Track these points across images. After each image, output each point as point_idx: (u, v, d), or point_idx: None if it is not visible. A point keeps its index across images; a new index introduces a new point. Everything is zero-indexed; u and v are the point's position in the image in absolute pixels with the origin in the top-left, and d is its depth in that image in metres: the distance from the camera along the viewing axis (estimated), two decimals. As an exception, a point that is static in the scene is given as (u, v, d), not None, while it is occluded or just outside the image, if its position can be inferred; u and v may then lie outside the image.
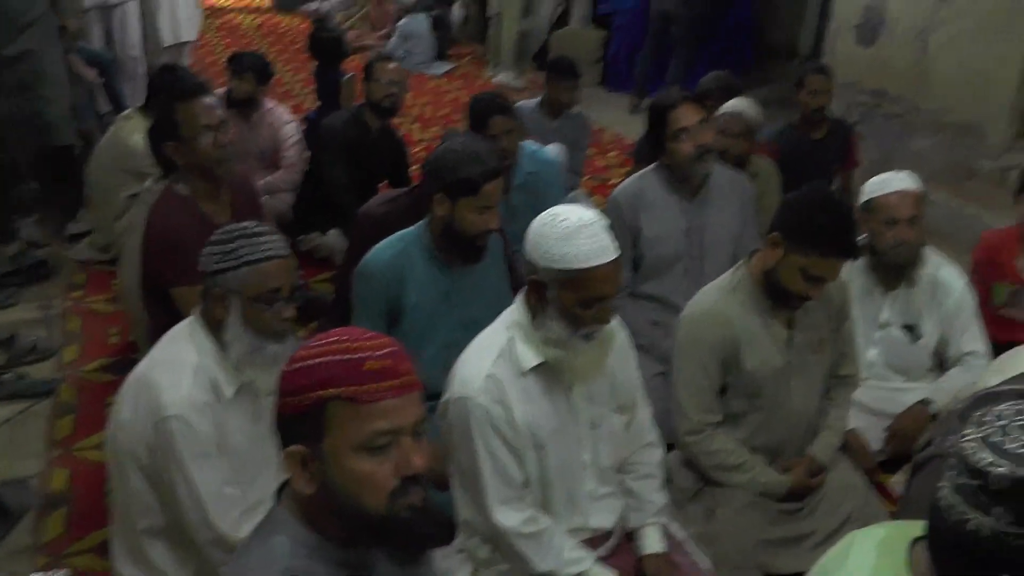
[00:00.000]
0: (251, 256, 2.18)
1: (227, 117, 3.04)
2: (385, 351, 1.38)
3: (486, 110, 3.73)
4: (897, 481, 3.07)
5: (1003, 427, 1.12)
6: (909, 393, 3.22)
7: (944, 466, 1.20)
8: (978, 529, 1.10)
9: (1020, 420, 1.11)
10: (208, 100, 2.98)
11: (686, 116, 3.19)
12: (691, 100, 3.25)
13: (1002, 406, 1.16)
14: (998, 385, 1.25)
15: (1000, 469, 1.08)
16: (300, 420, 1.36)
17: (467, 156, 2.72)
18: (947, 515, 1.15)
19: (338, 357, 1.35)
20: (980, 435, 1.13)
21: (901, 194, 3.04)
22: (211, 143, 2.92)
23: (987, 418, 1.14)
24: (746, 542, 2.61)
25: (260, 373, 2.24)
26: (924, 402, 3.14)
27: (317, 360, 1.36)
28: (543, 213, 2.14)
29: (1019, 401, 1.16)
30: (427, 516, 1.40)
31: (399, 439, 1.35)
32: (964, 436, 1.14)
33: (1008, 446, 1.10)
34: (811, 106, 4.55)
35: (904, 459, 2.96)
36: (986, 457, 1.10)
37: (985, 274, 3.52)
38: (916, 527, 1.30)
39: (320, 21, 10.26)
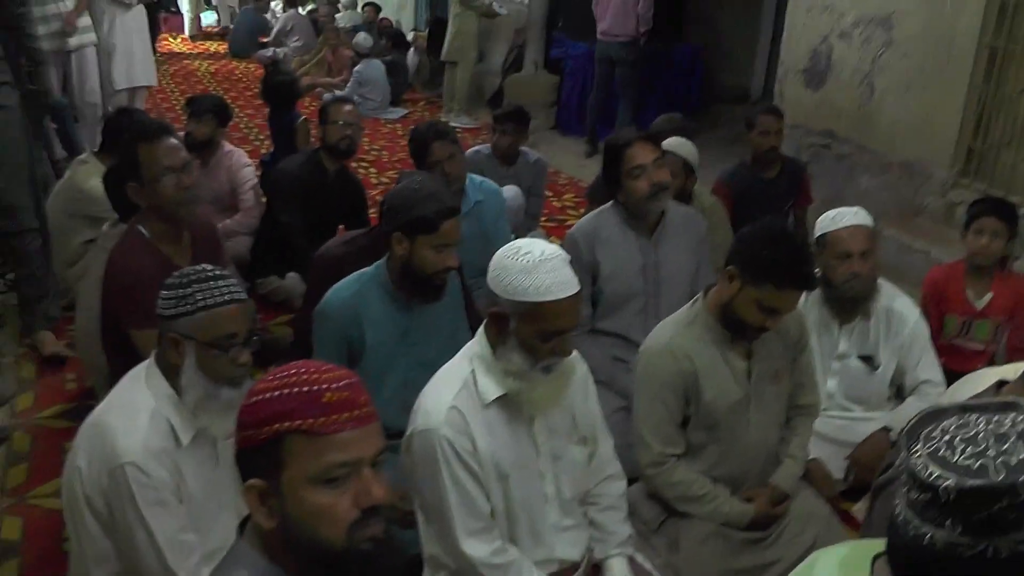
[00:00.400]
0: (206, 301, 2.15)
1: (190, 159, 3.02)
2: (343, 383, 1.37)
3: (424, 137, 3.85)
4: (859, 509, 3.11)
5: (948, 441, 1.14)
6: (869, 423, 3.28)
7: (898, 483, 1.23)
8: (933, 542, 1.13)
9: (963, 432, 1.14)
10: (171, 141, 2.96)
11: (641, 154, 3.23)
12: (645, 139, 3.31)
13: (946, 421, 1.19)
14: (942, 404, 1.28)
15: (948, 482, 1.10)
16: (258, 453, 1.34)
17: (425, 195, 2.73)
18: (903, 530, 1.17)
19: (295, 389, 1.34)
20: (928, 450, 1.15)
21: (853, 228, 3.11)
22: (174, 184, 2.89)
23: (934, 433, 1.17)
24: (711, 572, 2.62)
25: (215, 419, 2.21)
26: (884, 430, 3.20)
27: (275, 393, 1.34)
28: (506, 246, 2.16)
29: (962, 415, 1.20)
30: (389, 548, 1.38)
31: (359, 470, 1.34)
32: (913, 452, 1.17)
33: (954, 459, 1.12)
34: (763, 146, 4.64)
35: (866, 487, 3.00)
36: (934, 471, 1.12)
37: (935, 307, 3.63)
38: (878, 545, 1.32)
39: (274, 64, 10.33)
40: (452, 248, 2.77)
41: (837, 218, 3.16)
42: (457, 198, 3.78)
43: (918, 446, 1.17)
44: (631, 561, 2.44)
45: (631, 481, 2.65)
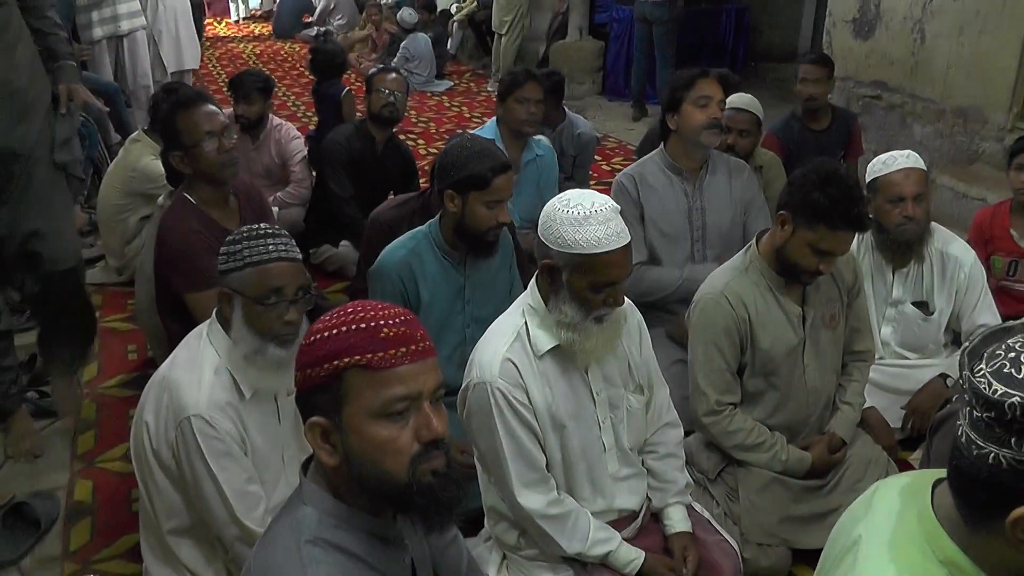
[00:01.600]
0: (253, 257, 2.19)
1: (231, 123, 3.05)
2: (400, 319, 1.39)
3: (520, 74, 4.11)
4: (917, 458, 3.06)
5: (1013, 359, 1.11)
6: (925, 370, 3.24)
7: (960, 404, 1.21)
8: (998, 461, 1.11)
9: None
10: (209, 107, 2.99)
11: (712, 88, 3.22)
12: (720, 78, 3.29)
13: (1011, 339, 1.16)
14: (1006, 323, 1.25)
15: (1013, 399, 1.08)
16: (319, 391, 1.37)
17: (476, 152, 2.75)
18: (966, 451, 1.15)
19: (354, 327, 1.36)
20: (992, 368, 1.13)
21: (905, 172, 3.06)
22: (215, 148, 2.92)
23: (998, 352, 1.14)
24: (770, 520, 2.63)
25: (262, 375, 2.25)
26: (942, 376, 3.15)
27: (333, 331, 1.37)
28: (555, 198, 2.16)
29: None
30: (451, 481, 1.39)
31: (418, 404, 1.36)
32: (976, 371, 1.15)
33: (1020, 375, 1.09)
34: (803, 94, 4.57)
35: (924, 437, 2.97)
36: (999, 388, 1.10)
37: (981, 249, 3.57)
38: (938, 473, 1.31)
39: (324, 35, 10.42)
40: (504, 204, 2.79)
41: (889, 162, 3.10)
42: (523, 143, 4.12)
43: (981, 365, 1.15)
44: (689, 510, 2.44)
45: (688, 434, 2.65)
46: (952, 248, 3.21)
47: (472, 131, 2.86)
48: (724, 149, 3.84)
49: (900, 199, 3.05)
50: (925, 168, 3.11)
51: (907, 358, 3.30)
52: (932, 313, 3.22)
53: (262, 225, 2.29)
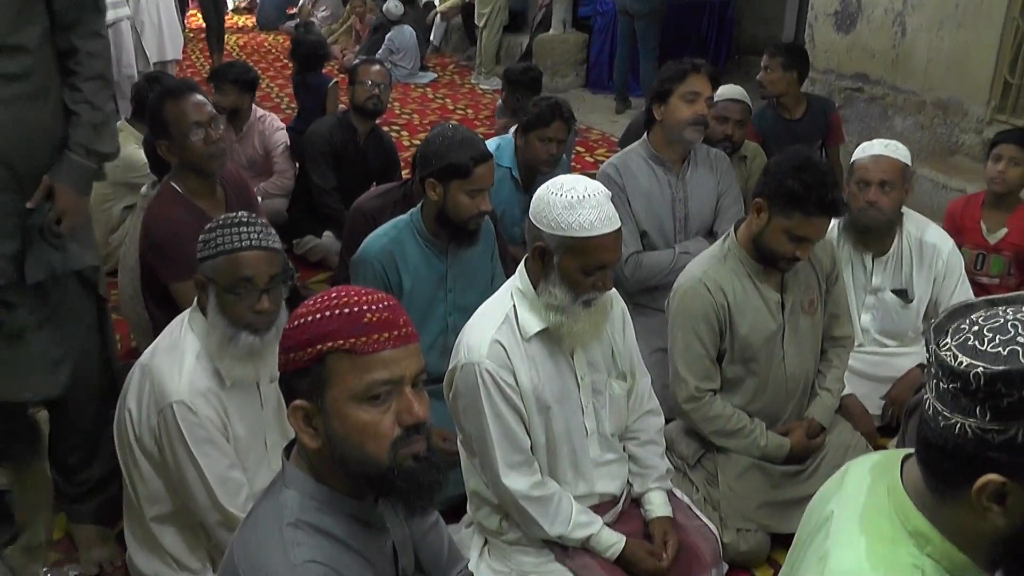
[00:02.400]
0: (225, 246, 2.19)
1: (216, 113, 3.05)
2: (383, 304, 1.40)
3: (550, 112, 3.83)
4: (894, 444, 3.10)
5: (977, 332, 1.15)
6: (904, 358, 3.28)
7: (925, 378, 1.24)
8: (964, 431, 1.14)
9: (992, 323, 1.15)
10: (197, 97, 2.99)
11: (702, 84, 3.22)
12: (711, 76, 3.28)
13: (974, 315, 1.19)
14: (970, 299, 1.29)
15: (977, 369, 1.11)
16: (303, 375, 1.38)
17: (458, 140, 2.77)
18: (933, 423, 1.18)
19: (338, 311, 1.38)
20: (956, 342, 1.16)
21: (875, 158, 3.09)
22: (202, 139, 2.92)
23: (963, 326, 1.18)
24: (749, 505, 2.66)
25: (236, 364, 2.25)
26: (921, 367, 3.18)
27: (317, 315, 1.38)
28: (549, 182, 2.19)
29: (989, 308, 1.20)
30: (432, 465, 1.41)
31: (400, 389, 1.38)
32: (942, 345, 1.18)
33: (983, 347, 1.13)
34: (764, 83, 4.58)
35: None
36: (964, 359, 1.13)
37: (953, 239, 3.58)
38: (907, 452, 1.34)
39: (305, 26, 10.37)
40: (485, 192, 2.80)
41: (867, 147, 3.13)
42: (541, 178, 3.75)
43: (946, 339, 1.18)
44: (670, 495, 2.47)
45: (668, 421, 2.68)
46: (929, 235, 3.23)
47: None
48: (721, 139, 3.87)
49: (866, 184, 3.09)
50: (904, 160, 3.11)
51: (886, 345, 3.33)
52: (911, 301, 3.25)
53: (240, 213, 2.29)
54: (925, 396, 1.22)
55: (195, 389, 2.20)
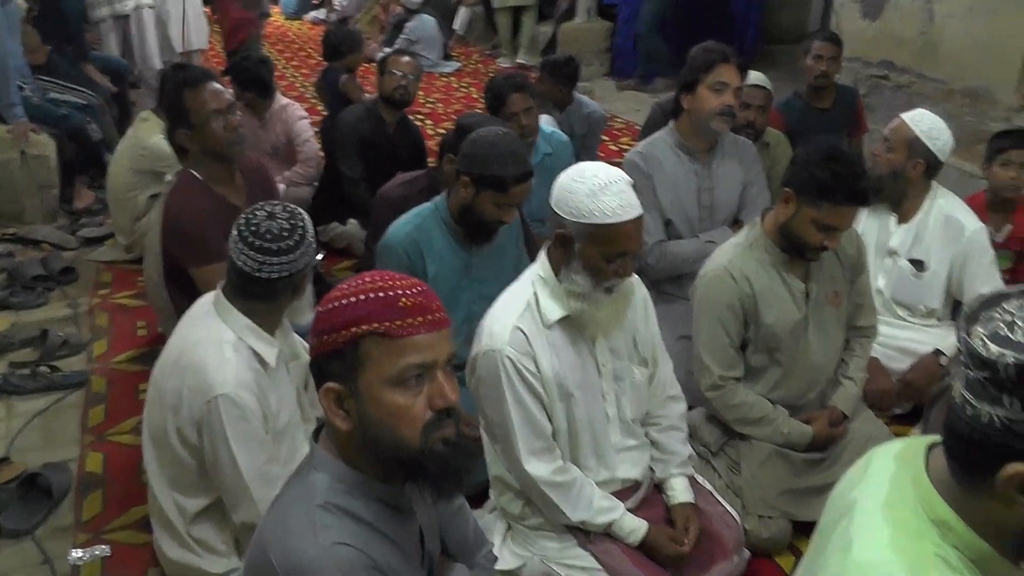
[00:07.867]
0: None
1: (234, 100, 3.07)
2: (417, 289, 1.41)
3: (503, 89, 3.82)
4: (916, 434, 3.09)
5: (1009, 322, 1.14)
6: (911, 330, 3.30)
7: (954, 365, 1.24)
8: (992, 421, 1.13)
9: None
10: (215, 85, 3.01)
11: (730, 74, 3.20)
12: (740, 66, 3.27)
13: (1006, 303, 1.19)
14: (1004, 288, 1.28)
15: (1007, 358, 1.11)
16: (335, 358, 1.39)
17: (505, 153, 2.72)
18: (961, 412, 1.18)
19: (372, 295, 1.38)
20: (987, 331, 1.15)
21: (901, 120, 3.26)
22: (222, 126, 2.95)
23: (994, 315, 1.17)
24: (771, 493, 2.66)
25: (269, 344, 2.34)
26: (936, 353, 3.17)
27: (352, 298, 1.39)
28: (570, 169, 2.20)
29: (1021, 297, 1.19)
30: (462, 450, 1.42)
31: (432, 373, 1.39)
32: (972, 334, 1.17)
33: (1015, 337, 1.12)
34: (815, 71, 4.53)
35: (921, 412, 2.99)
36: (994, 348, 1.13)
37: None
38: (932, 439, 1.34)
39: (340, 22, 10.44)
40: (514, 208, 2.81)
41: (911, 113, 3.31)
42: (528, 150, 3.76)
43: (977, 327, 1.17)
44: (692, 481, 2.48)
45: (691, 408, 2.68)
46: (957, 213, 3.25)
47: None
48: (743, 126, 3.84)
49: (882, 139, 3.24)
50: (916, 133, 3.21)
51: (898, 315, 3.34)
52: (925, 271, 3.26)
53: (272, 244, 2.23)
54: (953, 384, 1.22)
55: (240, 380, 2.20)
